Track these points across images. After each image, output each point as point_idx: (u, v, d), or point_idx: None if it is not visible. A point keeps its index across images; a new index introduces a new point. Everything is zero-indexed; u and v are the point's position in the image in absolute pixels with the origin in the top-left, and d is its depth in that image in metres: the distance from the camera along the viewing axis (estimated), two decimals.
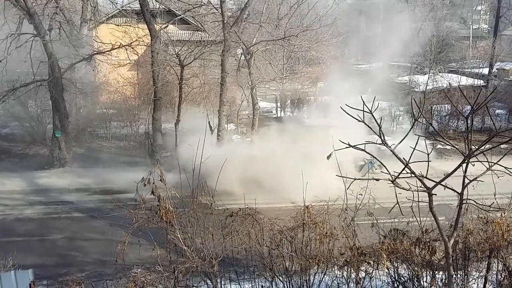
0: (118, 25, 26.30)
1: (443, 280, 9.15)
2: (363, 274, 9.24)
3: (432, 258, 9.06)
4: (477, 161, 6.86)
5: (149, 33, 22.98)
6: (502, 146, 8.96)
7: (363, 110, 6.78)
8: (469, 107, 7.02)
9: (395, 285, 9.44)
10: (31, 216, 17.51)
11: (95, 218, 15.39)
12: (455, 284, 9.11)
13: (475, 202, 7.25)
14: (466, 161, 6.91)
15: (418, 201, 7.48)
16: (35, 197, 19.21)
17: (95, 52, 24.09)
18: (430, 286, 9.11)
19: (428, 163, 6.83)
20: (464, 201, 7.33)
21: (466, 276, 9.44)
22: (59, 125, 23.06)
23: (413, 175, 6.96)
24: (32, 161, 23.46)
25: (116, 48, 23.35)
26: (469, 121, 6.96)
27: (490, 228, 8.98)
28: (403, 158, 6.93)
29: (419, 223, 8.95)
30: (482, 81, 36.49)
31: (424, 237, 9.05)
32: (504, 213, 8.98)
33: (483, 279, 9.41)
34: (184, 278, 8.94)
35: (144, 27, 23.55)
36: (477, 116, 26.18)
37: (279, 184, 17.34)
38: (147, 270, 9.23)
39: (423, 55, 37.51)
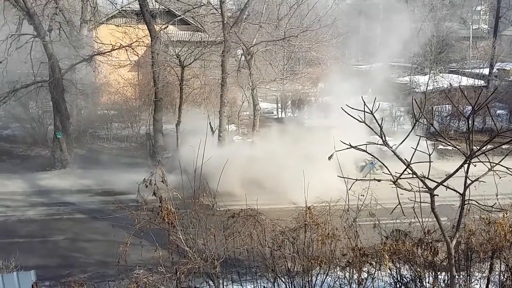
0: (118, 26, 26.31)
1: (446, 281, 9.13)
2: (365, 275, 9.22)
3: (435, 259, 9.04)
4: (478, 162, 6.84)
5: (149, 34, 22.96)
6: (503, 146, 8.95)
7: (364, 111, 6.77)
8: (470, 108, 7.01)
9: (397, 286, 9.44)
10: (33, 217, 17.54)
11: (97, 219, 15.43)
12: (457, 285, 9.10)
13: (477, 202, 7.22)
14: (467, 161, 6.91)
15: (420, 202, 7.46)
16: (37, 198, 19.23)
17: (95, 53, 24.07)
18: (433, 287, 9.11)
19: (430, 164, 6.83)
20: (466, 202, 7.30)
21: (468, 277, 9.42)
22: (60, 126, 23.05)
23: (414, 175, 6.95)
24: (33, 163, 23.47)
25: (116, 49, 23.34)
26: (470, 122, 6.95)
27: (492, 228, 8.97)
28: (405, 159, 6.93)
29: (421, 224, 8.91)
30: (482, 82, 36.43)
31: (426, 238, 9.03)
32: (506, 214, 8.95)
33: (486, 280, 9.39)
34: (186, 279, 8.95)
35: (144, 27, 23.52)
36: (478, 117, 26.11)
37: (280, 185, 17.35)
38: (149, 271, 9.28)
39: (423, 55, 37.45)
